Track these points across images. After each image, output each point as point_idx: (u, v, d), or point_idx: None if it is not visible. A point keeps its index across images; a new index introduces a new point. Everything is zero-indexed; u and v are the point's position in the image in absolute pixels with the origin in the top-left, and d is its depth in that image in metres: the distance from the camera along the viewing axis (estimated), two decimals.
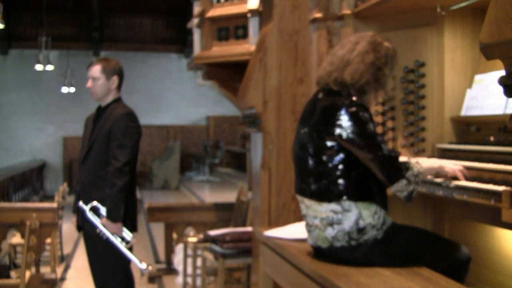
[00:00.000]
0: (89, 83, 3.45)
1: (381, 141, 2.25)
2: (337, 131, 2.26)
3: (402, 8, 3.17)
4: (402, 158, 2.34)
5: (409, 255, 2.32)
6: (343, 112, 2.27)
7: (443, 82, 3.07)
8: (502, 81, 2.24)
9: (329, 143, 2.29)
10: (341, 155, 2.28)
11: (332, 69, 2.37)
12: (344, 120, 2.26)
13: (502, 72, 2.23)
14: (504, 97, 2.46)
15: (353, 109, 2.26)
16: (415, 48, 3.17)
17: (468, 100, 2.97)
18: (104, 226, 3.29)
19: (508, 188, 2.05)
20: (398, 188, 2.26)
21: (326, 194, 2.31)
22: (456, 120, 3.04)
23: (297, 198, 2.51)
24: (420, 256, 2.33)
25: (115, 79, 3.47)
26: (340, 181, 2.29)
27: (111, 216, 3.27)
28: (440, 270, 2.30)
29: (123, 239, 3.32)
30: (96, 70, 3.44)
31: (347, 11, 3.44)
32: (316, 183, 2.34)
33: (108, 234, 3.29)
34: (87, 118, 3.61)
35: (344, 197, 2.28)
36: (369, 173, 2.30)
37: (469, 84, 3.01)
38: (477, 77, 2.97)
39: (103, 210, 3.32)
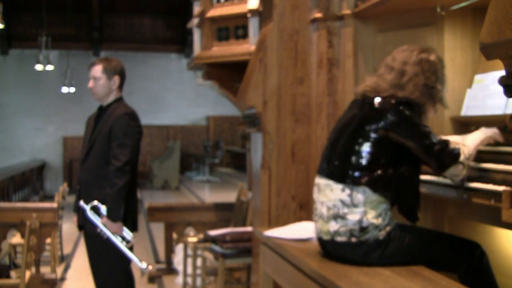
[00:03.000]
0: (91, 83, 3.45)
1: (429, 132, 2.31)
2: (383, 126, 2.31)
3: (402, 8, 3.17)
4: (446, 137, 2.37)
5: (408, 259, 2.33)
6: (388, 110, 2.32)
7: None
8: (502, 81, 2.24)
9: (371, 136, 2.32)
10: (376, 149, 2.31)
11: (381, 89, 2.40)
12: (390, 117, 2.31)
13: (502, 72, 2.23)
14: (504, 97, 2.46)
15: (400, 107, 2.33)
16: None
17: (468, 100, 2.97)
18: (105, 225, 3.29)
19: (508, 188, 2.05)
20: (455, 173, 2.30)
21: (344, 176, 2.34)
22: (456, 120, 3.04)
23: (315, 180, 2.53)
24: (421, 258, 2.33)
25: (116, 79, 3.46)
26: (364, 170, 2.31)
27: (112, 216, 3.27)
28: (460, 274, 2.31)
29: (123, 238, 3.33)
30: (97, 70, 3.44)
31: (347, 11, 3.44)
32: (341, 165, 2.37)
33: (108, 233, 3.29)
34: (89, 117, 3.61)
35: (362, 185, 2.30)
36: (399, 177, 2.33)
37: (469, 84, 3.01)
38: (477, 77, 2.97)
39: (103, 210, 3.32)
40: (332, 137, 2.53)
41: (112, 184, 3.26)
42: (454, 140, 2.40)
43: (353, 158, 2.34)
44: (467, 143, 2.37)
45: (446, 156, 2.29)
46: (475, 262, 2.32)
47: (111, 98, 3.48)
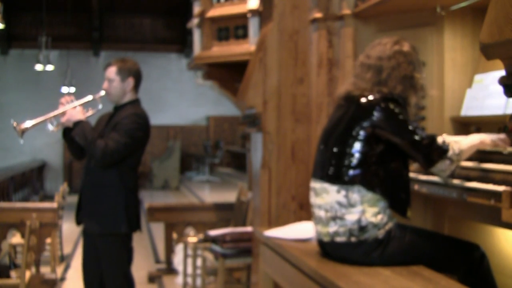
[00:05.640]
0: (105, 84, 3.42)
1: (415, 127, 2.31)
2: (371, 124, 2.31)
3: (402, 8, 3.17)
4: (439, 139, 2.37)
5: (408, 258, 2.32)
6: (374, 107, 2.33)
7: (443, 82, 3.07)
8: (502, 81, 2.24)
9: (360, 134, 2.32)
10: (365, 147, 2.32)
11: (363, 89, 2.40)
12: (377, 112, 2.31)
13: (502, 72, 2.23)
14: (504, 97, 2.47)
15: (385, 103, 2.33)
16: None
17: (468, 100, 2.97)
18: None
19: (508, 188, 2.05)
20: (442, 168, 2.31)
21: (338, 177, 2.34)
22: (456, 120, 3.04)
23: (311, 184, 2.53)
24: (421, 258, 2.33)
25: (130, 81, 3.43)
26: (357, 169, 2.31)
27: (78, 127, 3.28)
28: (451, 272, 2.30)
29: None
30: (111, 71, 3.40)
31: (347, 11, 3.44)
32: (333, 166, 2.37)
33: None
34: (102, 115, 3.58)
35: (356, 184, 2.30)
36: (389, 173, 2.33)
37: (469, 84, 3.01)
38: (477, 77, 2.97)
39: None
40: (322, 140, 2.53)
41: (103, 143, 3.23)
42: (453, 139, 2.41)
43: (345, 158, 2.34)
44: (461, 141, 2.37)
45: (434, 151, 2.29)
46: (475, 264, 2.32)
47: (126, 99, 3.44)
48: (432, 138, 2.31)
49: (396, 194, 2.34)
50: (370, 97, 2.35)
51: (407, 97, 2.39)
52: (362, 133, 2.32)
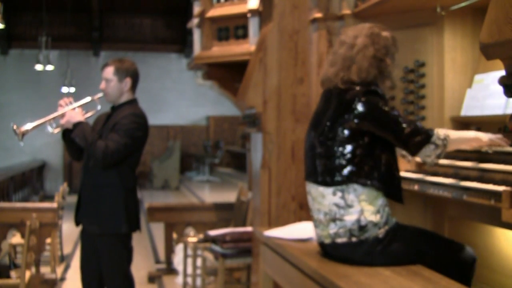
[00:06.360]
0: (102, 85, 3.42)
1: (397, 116, 2.32)
2: (354, 119, 2.31)
3: (402, 8, 3.18)
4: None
5: (409, 257, 2.32)
6: (356, 101, 2.31)
7: (443, 82, 3.07)
8: (502, 81, 2.24)
9: (344, 131, 2.32)
10: (352, 143, 2.31)
11: (337, 69, 2.40)
12: (359, 108, 2.30)
13: (502, 72, 2.23)
14: (504, 97, 2.47)
15: (365, 97, 2.32)
16: (415, 48, 3.17)
17: (468, 100, 2.98)
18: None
19: (508, 188, 2.05)
20: (427, 153, 2.32)
21: (332, 180, 2.34)
22: (456, 120, 3.04)
23: (306, 187, 2.52)
24: (420, 258, 2.33)
25: (127, 81, 3.43)
26: (348, 167, 2.31)
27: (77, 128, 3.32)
28: (445, 272, 2.30)
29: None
30: (108, 71, 3.40)
31: (347, 11, 3.45)
32: (324, 169, 2.37)
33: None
34: (100, 115, 3.58)
35: (350, 183, 2.30)
36: (379, 162, 2.32)
37: (469, 84, 3.01)
38: (477, 77, 2.97)
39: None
40: (308, 140, 2.51)
41: (103, 144, 3.24)
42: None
43: (334, 159, 2.33)
44: (450, 131, 2.38)
45: (417, 137, 2.30)
46: (467, 268, 2.32)
47: (123, 99, 3.44)
48: (415, 125, 2.32)
49: (390, 181, 2.34)
50: (350, 91, 2.34)
51: (373, 79, 2.37)
52: (346, 131, 2.32)
